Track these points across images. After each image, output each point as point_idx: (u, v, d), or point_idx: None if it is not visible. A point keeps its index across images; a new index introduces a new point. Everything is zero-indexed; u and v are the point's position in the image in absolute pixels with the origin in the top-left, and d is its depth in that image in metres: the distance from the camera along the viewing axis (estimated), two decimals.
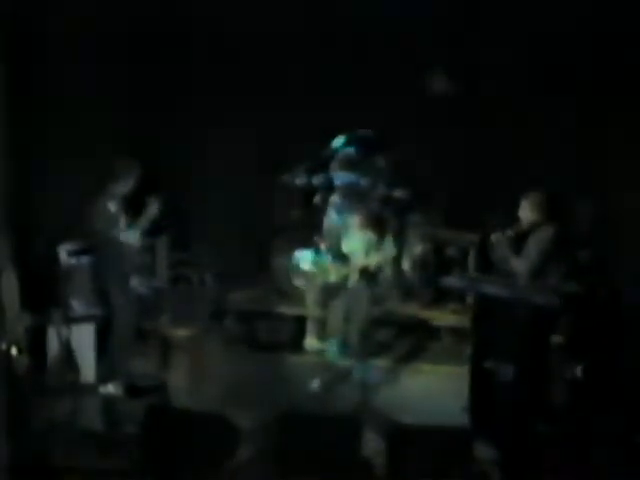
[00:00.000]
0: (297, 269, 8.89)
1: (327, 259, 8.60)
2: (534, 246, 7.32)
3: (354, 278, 8.42)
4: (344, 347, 8.29)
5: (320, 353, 8.53)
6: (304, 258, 8.73)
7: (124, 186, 7.82)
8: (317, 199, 8.92)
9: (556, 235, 7.33)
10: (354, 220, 8.60)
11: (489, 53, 9.28)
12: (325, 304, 8.64)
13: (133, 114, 9.43)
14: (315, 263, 8.58)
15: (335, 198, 8.98)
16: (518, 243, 7.44)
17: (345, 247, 8.61)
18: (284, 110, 9.55)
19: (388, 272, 8.67)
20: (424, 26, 9.27)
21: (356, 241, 8.56)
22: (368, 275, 8.40)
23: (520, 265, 7.34)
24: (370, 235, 8.57)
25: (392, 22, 9.24)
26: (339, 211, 8.93)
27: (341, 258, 8.56)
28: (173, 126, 9.74)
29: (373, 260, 8.45)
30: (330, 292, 8.57)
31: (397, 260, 9.11)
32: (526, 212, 7.41)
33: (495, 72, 9.31)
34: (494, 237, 7.54)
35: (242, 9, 9.32)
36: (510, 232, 7.42)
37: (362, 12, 9.21)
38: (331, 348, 8.37)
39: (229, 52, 9.68)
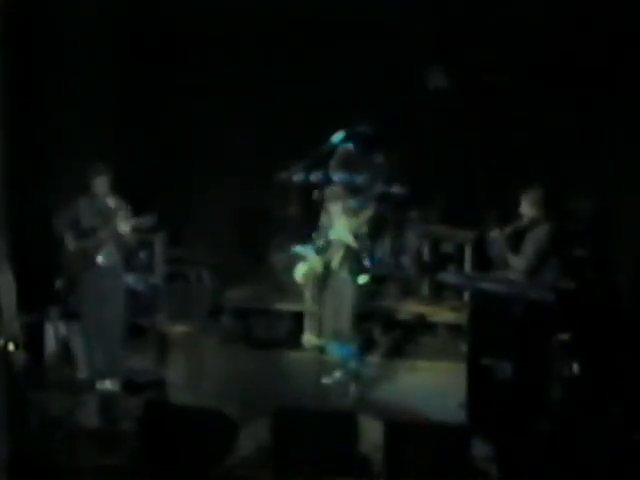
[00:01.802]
0: (294, 265, 8.87)
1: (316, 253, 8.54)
2: (531, 244, 7.34)
3: (337, 259, 8.31)
4: (340, 342, 8.26)
5: (318, 349, 8.52)
6: (301, 254, 8.70)
7: (97, 187, 7.85)
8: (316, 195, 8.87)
9: (552, 232, 7.34)
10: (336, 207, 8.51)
11: (489, 52, 9.29)
12: (319, 300, 8.60)
13: (132, 114, 9.45)
14: (309, 259, 8.53)
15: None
16: (516, 240, 7.46)
17: (331, 235, 8.51)
18: (284, 109, 9.57)
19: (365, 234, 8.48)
20: (424, 25, 9.30)
21: (340, 226, 8.47)
22: (351, 253, 8.29)
23: (517, 263, 7.36)
24: (350, 220, 8.47)
25: (392, 21, 9.27)
26: None
27: (327, 247, 8.46)
28: (172, 126, 9.78)
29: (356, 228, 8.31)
30: (321, 286, 8.50)
31: (395, 256, 9.12)
32: (526, 209, 7.44)
33: (494, 71, 9.34)
34: (492, 234, 7.56)
35: (240, 9, 9.35)
36: (509, 229, 7.44)
37: (362, 11, 9.23)
38: (329, 347, 8.34)
39: (228, 51, 9.70)
